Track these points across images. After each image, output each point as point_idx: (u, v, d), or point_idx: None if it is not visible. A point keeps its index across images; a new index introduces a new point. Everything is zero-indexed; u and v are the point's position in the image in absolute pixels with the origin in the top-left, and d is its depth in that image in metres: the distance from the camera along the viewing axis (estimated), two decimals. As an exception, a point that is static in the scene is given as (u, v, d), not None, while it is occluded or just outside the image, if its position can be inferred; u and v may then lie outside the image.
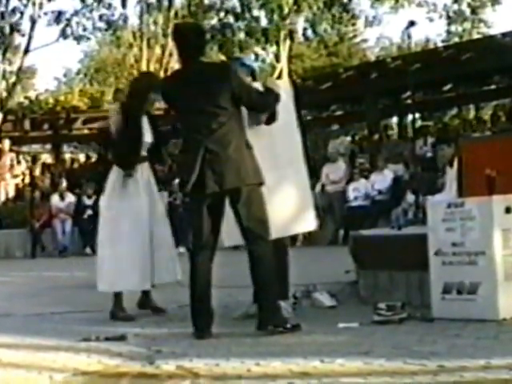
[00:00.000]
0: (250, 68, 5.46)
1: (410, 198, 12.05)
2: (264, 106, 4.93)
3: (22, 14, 20.47)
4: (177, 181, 12.62)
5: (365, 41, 31.07)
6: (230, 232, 5.13)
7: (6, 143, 17.01)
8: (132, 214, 5.56)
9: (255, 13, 21.46)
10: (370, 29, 30.14)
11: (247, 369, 3.72)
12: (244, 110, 4.85)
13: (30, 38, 20.60)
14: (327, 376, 3.51)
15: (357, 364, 3.70)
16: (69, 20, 21.09)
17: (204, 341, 4.57)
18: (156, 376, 3.70)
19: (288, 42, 21.04)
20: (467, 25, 27.12)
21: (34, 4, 20.38)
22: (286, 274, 5.30)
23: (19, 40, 21.36)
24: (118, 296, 5.62)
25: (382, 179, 13.35)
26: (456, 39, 26.20)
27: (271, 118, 5.09)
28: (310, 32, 26.02)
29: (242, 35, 21.49)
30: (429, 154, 14.19)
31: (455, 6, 24.75)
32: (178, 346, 4.37)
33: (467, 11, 25.28)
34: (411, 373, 3.49)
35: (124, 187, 5.61)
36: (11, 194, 16.30)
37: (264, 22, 21.39)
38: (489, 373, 3.43)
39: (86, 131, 22.72)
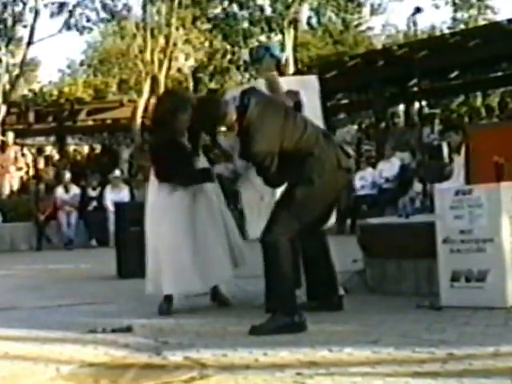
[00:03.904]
0: (276, 59, 5.43)
1: (417, 186, 12.00)
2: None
3: (24, 4, 20.41)
4: None
5: (370, 29, 30.94)
6: (255, 225, 5.18)
7: (10, 136, 16.99)
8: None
9: (259, 1, 21.42)
10: (376, 17, 29.99)
11: (255, 359, 3.70)
12: None
13: (33, 29, 20.54)
14: (335, 365, 3.49)
15: (365, 353, 3.68)
16: (71, 11, 21.03)
17: (211, 331, 4.55)
18: (163, 367, 3.68)
19: (292, 30, 20.99)
20: (473, 11, 26.99)
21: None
22: (298, 262, 5.28)
23: (22, 32, 21.35)
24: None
25: (390, 167, 13.30)
26: (462, 26, 26.07)
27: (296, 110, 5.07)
28: (314, 20, 25.98)
29: (245, 24, 21.44)
30: (436, 142, 14.12)
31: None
32: (185, 337, 4.35)
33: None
34: (420, 361, 3.47)
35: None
36: (16, 186, 16.29)
37: (268, 11, 21.35)
38: (498, 360, 3.41)
39: (90, 122, 22.71)
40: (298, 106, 5.14)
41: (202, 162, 5.45)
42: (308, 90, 5.32)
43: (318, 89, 5.44)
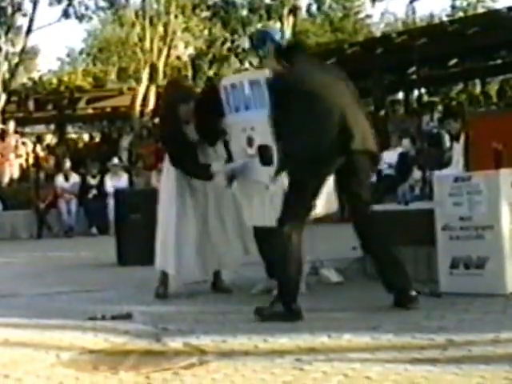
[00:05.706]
0: (277, 44, 5.40)
1: (417, 173, 12.00)
2: None
3: (23, -7, 20.32)
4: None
5: (369, 16, 30.83)
6: (254, 213, 5.20)
7: (11, 125, 16.98)
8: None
9: (258, -11, 21.34)
10: (375, 4, 29.84)
11: (254, 345, 3.71)
12: None
13: (32, 18, 20.48)
14: (335, 351, 3.50)
15: (364, 339, 3.69)
16: (70, -1, 20.94)
17: (211, 318, 4.56)
18: (163, 353, 3.69)
19: (291, 18, 20.93)
20: (472, -1, 26.92)
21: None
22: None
23: (21, 20, 21.27)
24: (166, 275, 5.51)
25: (392, 155, 13.29)
26: (460, 14, 25.99)
27: None
28: (314, 8, 25.89)
29: (244, 12, 21.37)
30: (435, 130, 14.10)
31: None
32: (185, 324, 4.36)
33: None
34: (419, 347, 3.48)
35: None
36: (16, 174, 16.28)
37: (267, -1, 21.29)
38: (497, 347, 3.43)
39: (89, 111, 22.67)
40: None
41: (216, 153, 5.43)
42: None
43: None
